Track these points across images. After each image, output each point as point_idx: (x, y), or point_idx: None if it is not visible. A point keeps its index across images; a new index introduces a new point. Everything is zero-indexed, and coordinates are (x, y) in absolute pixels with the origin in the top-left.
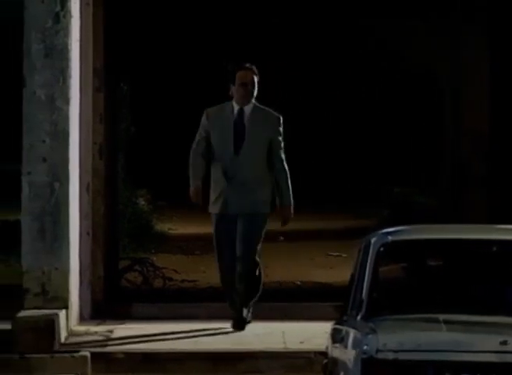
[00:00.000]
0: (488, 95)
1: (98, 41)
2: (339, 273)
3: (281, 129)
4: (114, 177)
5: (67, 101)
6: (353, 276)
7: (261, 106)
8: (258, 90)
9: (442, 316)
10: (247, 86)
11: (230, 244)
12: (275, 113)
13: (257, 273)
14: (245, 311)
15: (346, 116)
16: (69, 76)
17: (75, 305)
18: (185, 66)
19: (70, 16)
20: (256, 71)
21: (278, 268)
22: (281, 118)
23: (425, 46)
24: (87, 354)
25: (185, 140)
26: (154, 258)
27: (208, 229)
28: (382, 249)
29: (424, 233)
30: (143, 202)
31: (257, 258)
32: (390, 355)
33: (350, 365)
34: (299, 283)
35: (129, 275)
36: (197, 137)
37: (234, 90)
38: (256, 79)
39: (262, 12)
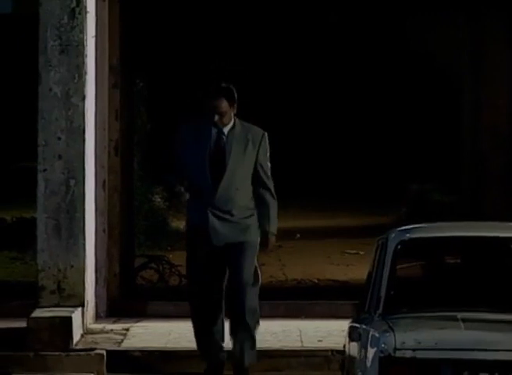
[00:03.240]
0: (508, 91)
1: (114, 37)
2: (356, 271)
3: (267, 147)
4: (130, 174)
5: (83, 98)
6: (370, 273)
7: (243, 122)
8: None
9: (460, 314)
10: (221, 115)
11: (212, 281)
12: (259, 129)
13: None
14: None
15: (363, 112)
16: (85, 73)
17: (91, 303)
18: (201, 62)
19: (86, 12)
20: (231, 92)
21: (295, 266)
22: (266, 134)
23: (444, 41)
24: (103, 352)
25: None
26: (170, 256)
27: None
28: (399, 247)
29: (442, 231)
30: (159, 199)
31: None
32: (408, 354)
33: (368, 363)
34: (316, 281)
35: (144, 273)
36: (170, 159)
37: (209, 114)
38: (228, 104)
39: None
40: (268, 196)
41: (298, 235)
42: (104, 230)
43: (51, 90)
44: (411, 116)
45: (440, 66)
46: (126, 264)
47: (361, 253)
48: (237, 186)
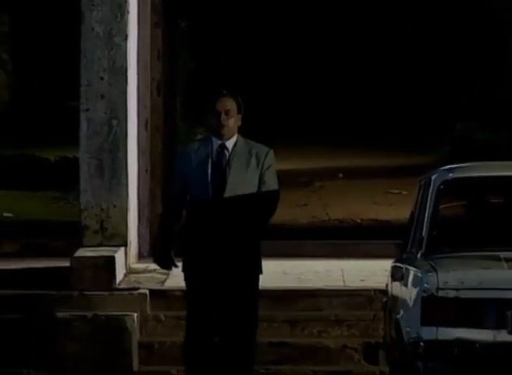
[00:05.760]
0: None
1: None
2: (399, 211)
3: (272, 164)
4: (172, 114)
5: (125, 37)
6: (413, 213)
7: (247, 139)
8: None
9: (503, 254)
10: (226, 114)
11: (212, 319)
12: (263, 146)
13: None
14: None
15: (408, 52)
16: (127, 12)
17: (134, 243)
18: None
19: None
20: (237, 98)
21: (337, 205)
22: (271, 151)
23: None
24: (146, 291)
25: (245, 74)
26: None
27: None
28: (442, 186)
29: (486, 170)
30: None
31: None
32: (451, 294)
33: (410, 303)
34: (359, 220)
35: None
36: (173, 183)
37: (210, 121)
38: (236, 106)
39: None
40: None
41: (341, 175)
42: (146, 170)
43: (93, 29)
44: (456, 54)
45: (485, 7)
46: None
47: (404, 193)
48: (240, 206)
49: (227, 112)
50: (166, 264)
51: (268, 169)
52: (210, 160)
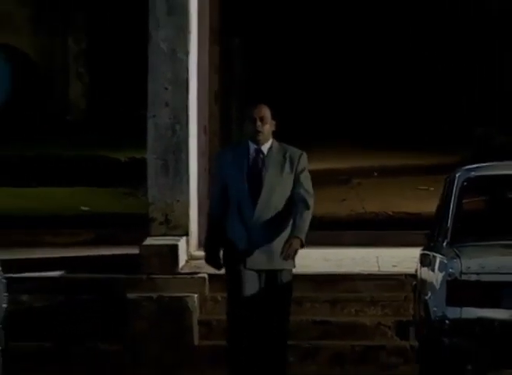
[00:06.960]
0: None
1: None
2: (427, 205)
3: (305, 166)
4: (228, 120)
5: (187, 54)
6: (439, 207)
7: (281, 143)
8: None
9: None
10: (261, 121)
11: (252, 308)
12: (296, 149)
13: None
14: None
15: (430, 55)
16: (189, 32)
17: (194, 233)
18: (293, 20)
19: None
20: (269, 109)
21: (372, 200)
22: (304, 154)
23: None
24: (205, 275)
25: (293, 82)
26: None
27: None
28: (465, 183)
29: (504, 169)
30: None
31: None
32: (473, 277)
33: (437, 286)
34: (391, 213)
35: None
36: (215, 186)
37: (247, 127)
38: (270, 113)
39: None
40: (301, 207)
41: (376, 173)
42: (205, 169)
43: (159, 46)
44: (478, 59)
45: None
46: None
47: (432, 189)
48: (276, 206)
49: (262, 119)
50: (216, 264)
51: (302, 172)
52: (246, 163)
